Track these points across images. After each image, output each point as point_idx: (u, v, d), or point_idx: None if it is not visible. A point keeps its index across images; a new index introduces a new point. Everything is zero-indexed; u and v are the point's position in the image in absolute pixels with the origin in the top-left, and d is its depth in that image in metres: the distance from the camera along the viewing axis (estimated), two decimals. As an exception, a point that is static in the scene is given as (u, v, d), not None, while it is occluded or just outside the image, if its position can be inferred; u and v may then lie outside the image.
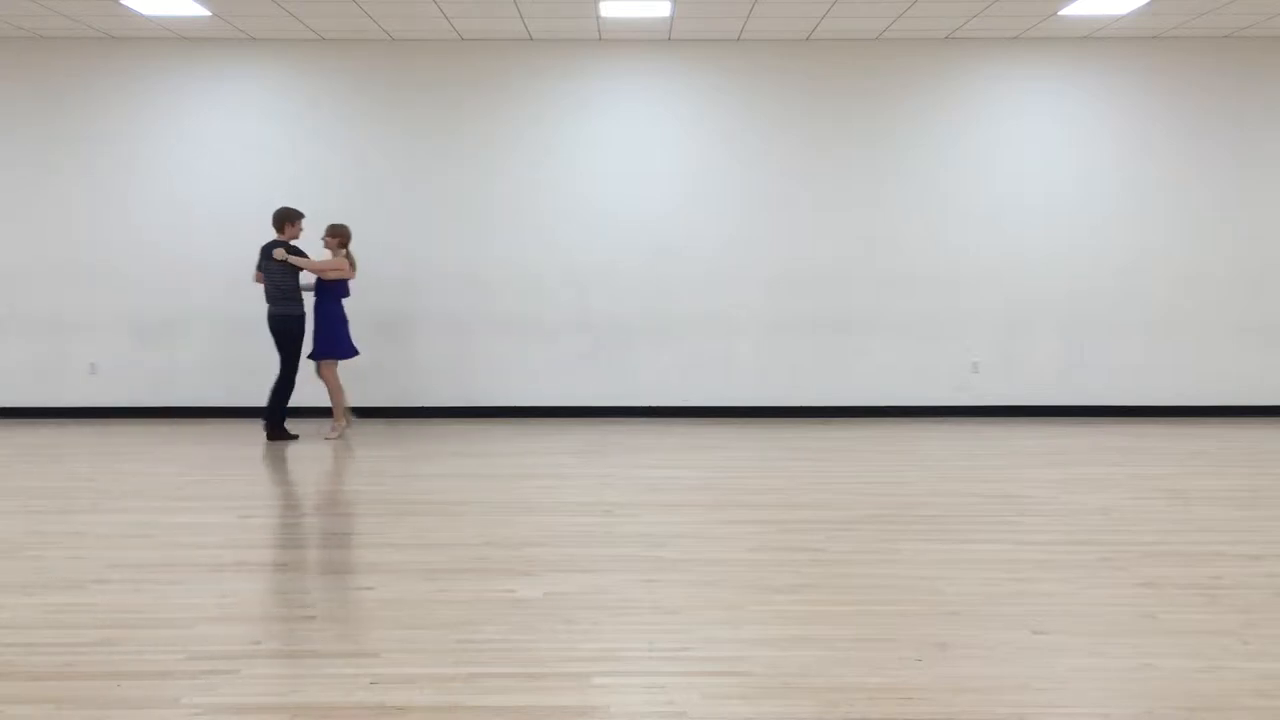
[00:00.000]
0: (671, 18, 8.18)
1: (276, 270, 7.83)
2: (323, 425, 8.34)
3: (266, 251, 7.86)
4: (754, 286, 9.09)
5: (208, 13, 7.98)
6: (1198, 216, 9.08)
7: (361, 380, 9.09)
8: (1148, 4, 7.83)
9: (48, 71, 8.90)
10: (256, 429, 8.52)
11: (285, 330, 7.90)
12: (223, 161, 8.99)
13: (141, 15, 8.07)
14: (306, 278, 7.97)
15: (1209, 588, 4.35)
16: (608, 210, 9.01)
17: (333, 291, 8.02)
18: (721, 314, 9.12)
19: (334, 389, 8.11)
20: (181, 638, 3.76)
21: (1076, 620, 3.96)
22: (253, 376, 9.08)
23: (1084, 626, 3.89)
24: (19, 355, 9.08)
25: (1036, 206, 9.07)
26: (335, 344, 8.05)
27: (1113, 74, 9.00)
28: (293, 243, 7.92)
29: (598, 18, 8.20)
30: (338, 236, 8.03)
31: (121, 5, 7.79)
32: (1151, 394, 9.19)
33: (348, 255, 8.08)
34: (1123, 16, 8.18)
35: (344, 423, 8.20)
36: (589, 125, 9.03)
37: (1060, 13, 8.06)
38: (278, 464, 7.24)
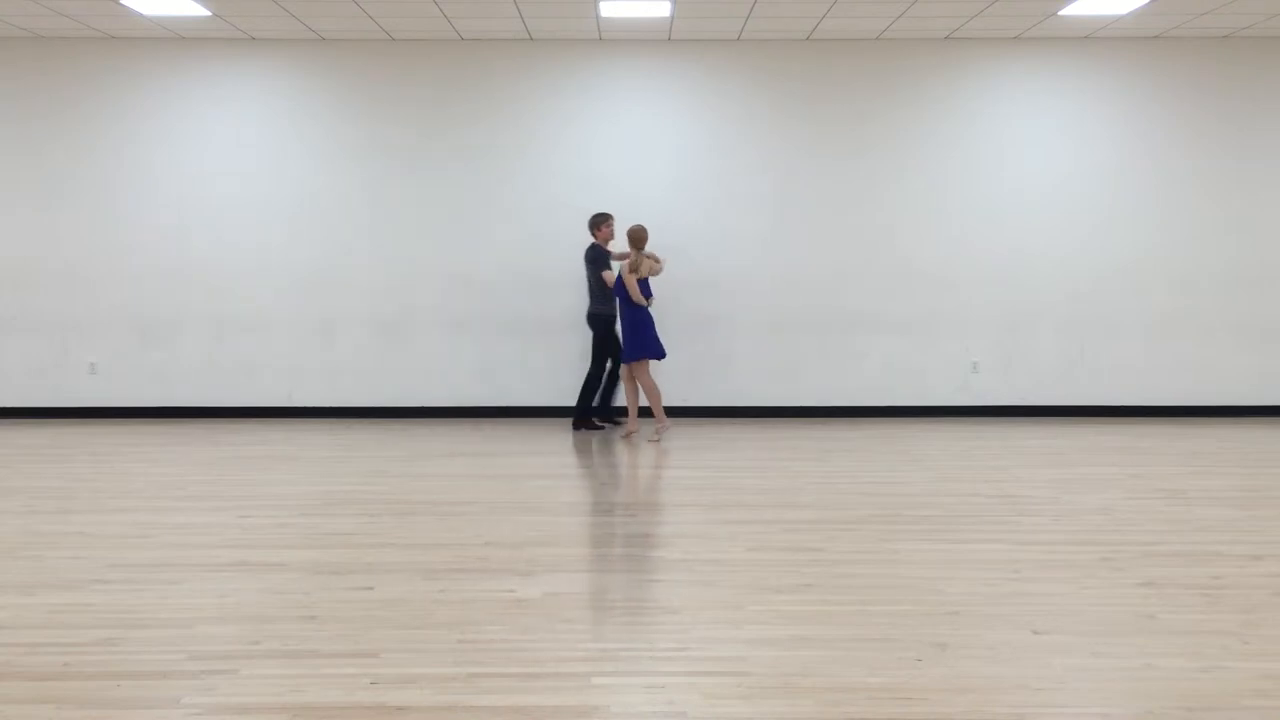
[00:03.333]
0: (671, 18, 8.18)
1: (591, 272, 8.18)
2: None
3: (588, 255, 8.27)
4: (754, 286, 9.09)
5: (208, 13, 7.98)
6: (1198, 216, 9.08)
7: (358, 381, 9.10)
8: (1148, 4, 7.83)
9: (48, 71, 8.90)
10: (253, 427, 8.54)
11: (595, 328, 8.25)
12: (222, 161, 8.99)
13: (141, 15, 8.07)
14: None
15: (1209, 588, 4.35)
16: (607, 209, 8.99)
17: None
18: (721, 314, 9.12)
19: (648, 388, 8.13)
20: (181, 638, 3.76)
21: (1076, 620, 3.96)
22: (252, 377, 9.12)
23: (1084, 626, 3.89)
24: (19, 355, 9.08)
25: (1036, 206, 9.07)
26: (644, 345, 8.06)
27: (1113, 74, 9.00)
28: (610, 245, 8.27)
29: (598, 18, 8.20)
30: (633, 239, 8.03)
31: (121, 5, 7.79)
32: (1151, 394, 9.19)
33: (646, 254, 8.06)
34: (1123, 16, 8.18)
35: (665, 423, 8.19)
36: (589, 125, 9.03)
37: (1060, 13, 8.06)
38: (277, 463, 7.23)
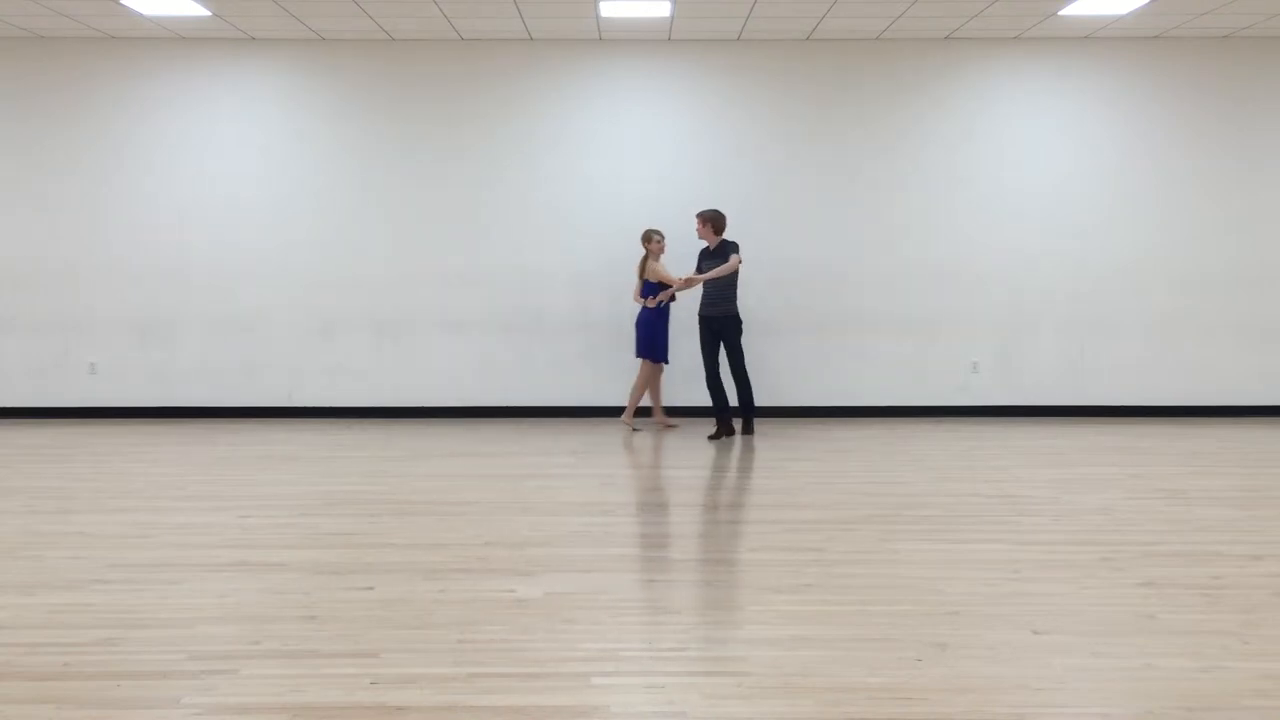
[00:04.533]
0: (671, 18, 8.18)
1: (707, 273, 8.22)
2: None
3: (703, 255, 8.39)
4: (753, 286, 9.07)
5: (208, 13, 7.98)
6: (1198, 217, 9.08)
7: (358, 381, 9.10)
8: (1148, 4, 7.83)
9: (48, 71, 8.90)
10: (253, 427, 8.55)
11: (701, 329, 8.33)
12: (223, 161, 8.99)
13: (141, 15, 8.07)
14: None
15: (1209, 588, 4.35)
16: (607, 210, 9.00)
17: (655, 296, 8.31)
18: (721, 314, 9.12)
19: (638, 387, 8.41)
20: (181, 638, 3.76)
21: (1076, 620, 3.96)
22: (252, 377, 9.12)
23: (1084, 626, 3.89)
24: (19, 355, 9.08)
25: (1036, 206, 9.07)
26: (653, 347, 8.36)
27: (1113, 74, 8.99)
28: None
29: (598, 18, 8.20)
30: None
31: (121, 5, 7.79)
32: (1151, 394, 9.19)
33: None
34: (1123, 16, 8.18)
35: (631, 422, 8.47)
36: (589, 125, 9.03)
37: (1060, 13, 8.06)
38: (277, 463, 7.23)
